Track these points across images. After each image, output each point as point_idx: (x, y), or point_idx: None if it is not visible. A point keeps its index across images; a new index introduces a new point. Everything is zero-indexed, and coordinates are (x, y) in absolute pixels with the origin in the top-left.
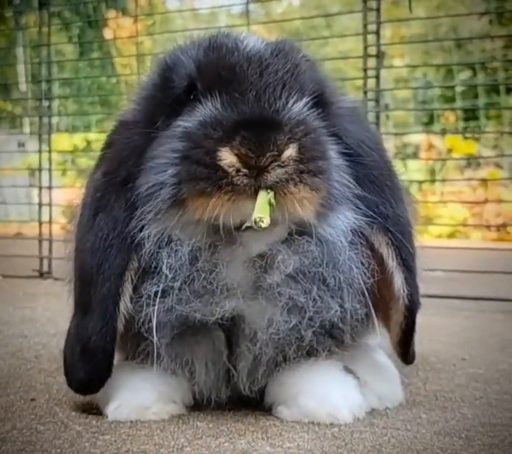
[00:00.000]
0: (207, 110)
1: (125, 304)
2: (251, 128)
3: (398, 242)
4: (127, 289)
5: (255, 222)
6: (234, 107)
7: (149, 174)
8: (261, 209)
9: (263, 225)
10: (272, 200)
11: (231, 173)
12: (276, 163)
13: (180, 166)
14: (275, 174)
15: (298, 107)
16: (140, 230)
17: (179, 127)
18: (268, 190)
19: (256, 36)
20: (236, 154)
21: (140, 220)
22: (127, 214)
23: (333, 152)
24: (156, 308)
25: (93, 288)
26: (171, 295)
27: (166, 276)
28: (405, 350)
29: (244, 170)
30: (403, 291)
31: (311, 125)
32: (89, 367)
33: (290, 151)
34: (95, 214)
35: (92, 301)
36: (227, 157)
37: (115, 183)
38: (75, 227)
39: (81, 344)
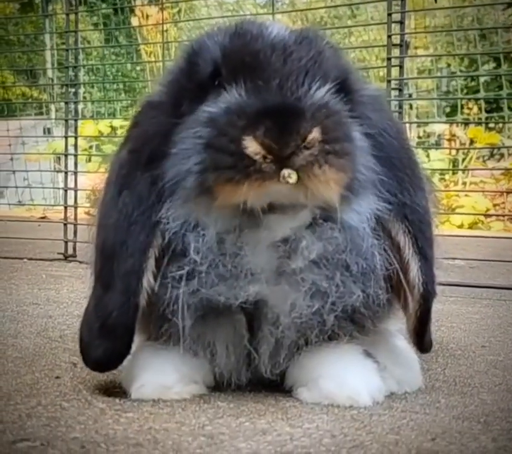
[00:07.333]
0: (231, 96)
1: (148, 280)
2: (275, 118)
3: (415, 230)
4: (151, 265)
5: (283, 177)
6: (258, 95)
7: (174, 160)
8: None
9: (291, 181)
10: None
11: (258, 160)
12: (301, 146)
13: (204, 154)
14: (301, 157)
15: (321, 93)
16: (166, 210)
17: (204, 113)
18: None
19: (281, 24)
20: (261, 144)
21: (168, 206)
22: (152, 191)
23: (356, 133)
24: (182, 290)
25: (116, 264)
26: (196, 278)
27: (193, 259)
28: (420, 339)
29: (270, 157)
30: (418, 279)
31: (333, 108)
32: (108, 344)
33: (314, 134)
34: (120, 191)
35: (114, 277)
36: (251, 146)
37: (141, 161)
38: (98, 204)
39: (101, 320)
